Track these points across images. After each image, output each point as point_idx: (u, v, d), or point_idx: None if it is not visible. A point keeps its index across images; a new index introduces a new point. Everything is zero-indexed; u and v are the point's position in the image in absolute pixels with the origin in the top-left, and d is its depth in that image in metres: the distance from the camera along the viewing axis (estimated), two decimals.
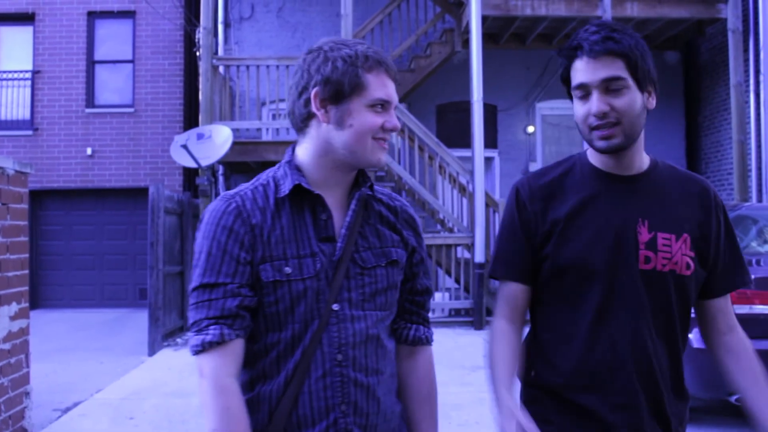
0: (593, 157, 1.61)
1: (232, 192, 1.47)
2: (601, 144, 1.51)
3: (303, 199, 1.44)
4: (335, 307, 1.42)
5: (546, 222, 1.58)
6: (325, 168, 1.46)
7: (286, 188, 1.44)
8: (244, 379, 1.45)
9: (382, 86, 1.43)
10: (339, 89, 1.40)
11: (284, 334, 1.40)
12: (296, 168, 1.47)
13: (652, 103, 1.53)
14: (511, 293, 1.64)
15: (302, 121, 1.47)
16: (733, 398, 3.96)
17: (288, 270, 1.39)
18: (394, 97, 1.45)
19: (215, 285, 1.37)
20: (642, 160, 1.60)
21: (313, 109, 1.42)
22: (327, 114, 1.42)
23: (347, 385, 1.41)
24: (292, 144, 1.54)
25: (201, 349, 1.35)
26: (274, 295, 1.39)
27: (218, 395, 1.33)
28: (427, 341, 1.60)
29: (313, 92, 1.42)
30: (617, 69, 1.46)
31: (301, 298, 1.40)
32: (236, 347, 1.37)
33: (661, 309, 1.55)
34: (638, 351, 1.52)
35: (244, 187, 1.48)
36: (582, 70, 1.50)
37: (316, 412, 1.39)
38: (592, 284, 1.54)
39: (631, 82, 1.48)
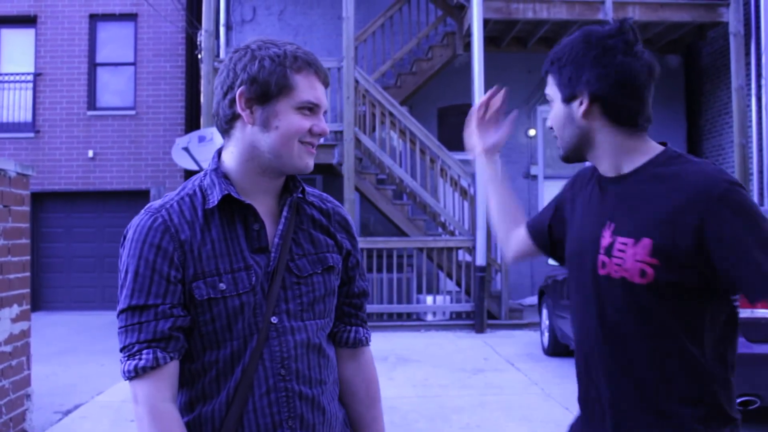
0: None
1: (157, 205, 1.39)
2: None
3: (233, 210, 1.38)
4: (274, 319, 1.37)
5: (566, 214, 1.67)
6: (253, 173, 1.40)
7: (214, 199, 1.37)
8: (183, 400, 1.38)
9: (311, 88, 1.37)
10: (265, 89, 1.35)
11: (223, 352, 1.35)
12: (224, 176, 1.40)
13: (580, 110, 1.47)
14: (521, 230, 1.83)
15: (227, 123, 1.41)
16: (737, 400, 3.93)
17: (222, 286, 1.33)
18: (324, 101, 1.40)
19: (145, 307, 1.31)
20: (631, 161, 1.49)
21: (238, 109, 1.37)
22: (252, 115, 1.37)
23: (293, 400, 1.37)
24: (218, 149, 1.47)
25: (134, 375, 1.29)
26: (210, 314, 1.33)
27: (156, 422, 1.28)
28: (367, 342, 1.58)
29: (238, 92, 1.36)
30: (548, 86, 1.55)
31: (238, 315, 1.34)
32: (171, 370, 1.32)
33: (615, 317, 1.45)
34: (589, 358, 1.52)
35: (170, 198, 1.41)
36: None
37: (263, 430, 1.35)
38: (570, 282, 1.61)
39: (554, 95, 1.53)
